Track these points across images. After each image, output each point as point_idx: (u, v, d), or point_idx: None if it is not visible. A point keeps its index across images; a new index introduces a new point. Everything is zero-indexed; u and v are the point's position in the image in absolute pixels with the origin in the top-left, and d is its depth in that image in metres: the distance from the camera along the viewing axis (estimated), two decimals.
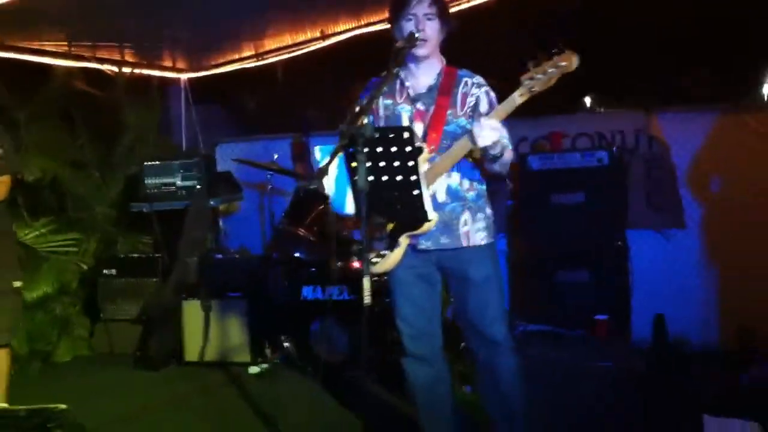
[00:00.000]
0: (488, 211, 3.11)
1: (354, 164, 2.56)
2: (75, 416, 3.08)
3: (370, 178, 2.55)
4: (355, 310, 4.28)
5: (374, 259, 2.91)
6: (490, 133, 2.72)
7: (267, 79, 7.53)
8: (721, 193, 5.33)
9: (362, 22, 6.26)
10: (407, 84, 3.06)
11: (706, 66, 7.23)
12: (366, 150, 2.52)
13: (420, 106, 3.02)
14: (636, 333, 5.19)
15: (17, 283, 4.04)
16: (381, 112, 3.09)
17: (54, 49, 5.70)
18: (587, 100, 10.24)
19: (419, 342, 3.17)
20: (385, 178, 2.64)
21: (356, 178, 2.53)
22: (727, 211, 5.28)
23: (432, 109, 2.98)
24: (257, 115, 8.90)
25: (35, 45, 5.56)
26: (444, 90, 2.98)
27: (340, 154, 2.60)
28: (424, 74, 3.05)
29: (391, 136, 2.60)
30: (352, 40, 6.42)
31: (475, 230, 3.03)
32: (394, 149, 2.59)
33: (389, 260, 2.95)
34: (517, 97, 2.75)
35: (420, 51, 2.94)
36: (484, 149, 2.78)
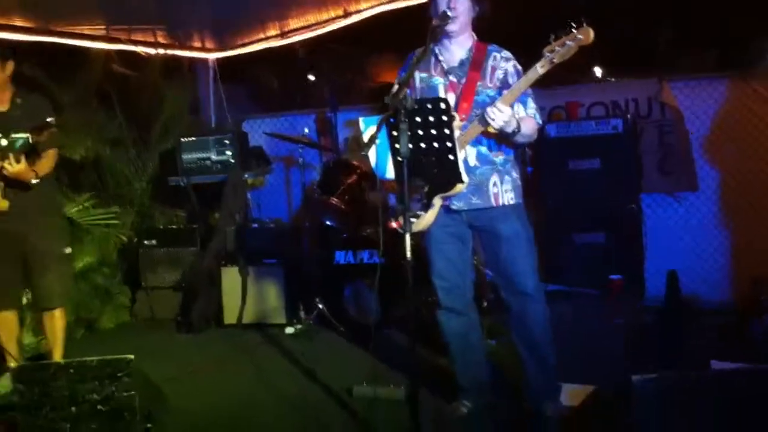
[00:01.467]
0: (515, 174, 3.41)
1: (395, 133, 2.86)
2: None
3: (410, 145, 2.84)
4: (385, 272, 4.59)
5: (411, 219, 3.20)
6: (500, 115, 3.03)
7: (289, 58, 7.77)
8: (731, 157, 5.55)
9: (383, 0, 6.46)
10: (441, 58, 3.34)
11: (715, 36, 7.41)
12: (406, 120, 2.80)
13: (453, 78, 3.30)
14: (650, 292, 5.40)
15: (67, 250, 4.39)
16: (417, 84, 3.38)
17: (92, 33, 5.94)
18: (597, 70, 10.43)
19: (452, 295, 3.48)
20: (423, 145, 2.92)
21: (398, 145, 2.83)
22: (737, 174, 5.53)
23: (464, 81, 3.26)
24: (279, 92, 9.16)
25: (75, 30, 5.81)
26: (475, 64, 3.26)
27: (384, 122, 2.89)
28: (457, 49, 3.32)
29: (429, 106, 2.88)
30: (372, 19, 6.64)
31: (504, 191, 3.32)
32: (431, 119, 2.88)
33: (424, 220, 3.25)
34: (539, 68, 3.03)
35: (451, 27, 3.22)
36: (499, 129, 3.07)
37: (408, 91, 3.22)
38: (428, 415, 3.28)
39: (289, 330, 5.28)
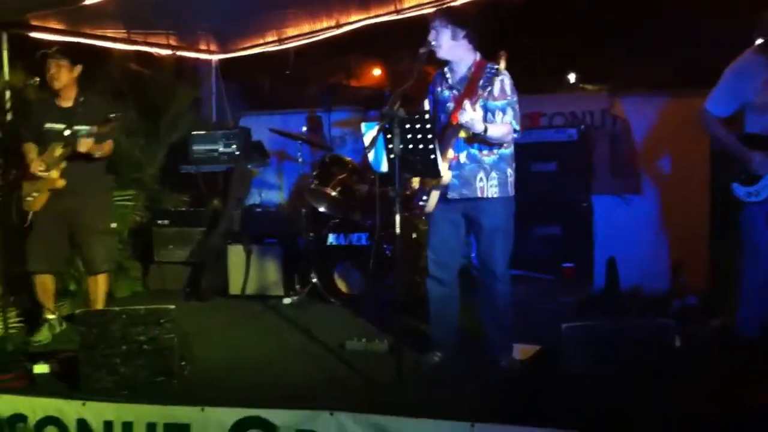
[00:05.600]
0: (508, 170, 4.15)
1: (389, 136, 3.69)
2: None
3: (401, 146, 3.67)
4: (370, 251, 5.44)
5: (420, 204, 4.04)
6: (467, 113, 3.79)
7: (282, 61, 8.48)
8: (671, 164, 6.25)
9: (371, 14, 7.20)
10: (447, 76, 4.15)
11: (664, 55, 8.29)
12: (398, 127, 3.64)
13: (455, 91, 4.10)
14: (597, 280, 6.03)
15: (113, 225, 5.19)
16: (433, 96, 4.20)
17: (114, 35, 6.68)
18: (571, 77, 11.35)
19: (441, 268, 4.25)
20: (411, 146, 3.75)
21: (391, 146, 3.67)
22: (673, 179, 6.21)
23: (461, 94, 4.03)
24: (273, 92, 9.91)
25: (100, 32, 6.54)
26: (472, 79, 4.02)
27: (381, 128, 3.73)
28: (459, 67, 4.11)
29: (416, 117, 3.71)
30: (361, 29, 7.37)
31: (489, 186, 4.08)
32: (417, 126, 3.71)
33: (428, 205, 4.05)
34: None
35: (438, 55, 4.04)
36: (465, 127, 3.86)
37: (430, 99, 4.10)
38: (408, 362, 4.04)
39: (287, 300, 6.04)
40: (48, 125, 4.99)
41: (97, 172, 5.14)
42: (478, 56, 4.09)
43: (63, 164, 4.89)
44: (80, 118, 4.91)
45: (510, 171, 4.17)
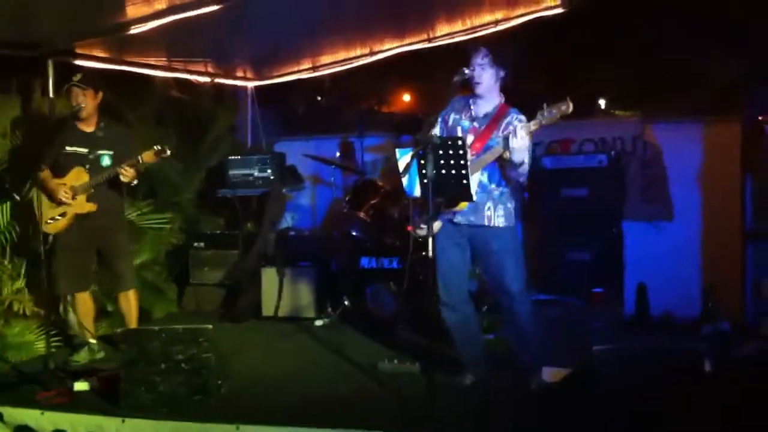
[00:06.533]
0: (509, 205, 4.27)
1: (423, 161, 3.80)
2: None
3: (434, 171, 3.77)
4: (401, 274, 5.53)
5: (422, 226, 4.11)
6: (520, 141, 3.91)
7: (316, 87, 8.68)
8: (702, 190, 6.30)
9: (404, 42, 7.33)
10: (472, 108, 4.28)
11: (695, 82, 8.32)
12: (432, 153, 3.75)
13: (476, 124, 4.23)
14: (628, 306, 6.05)
15: (131, 247, 5.39)
16: (450, 122, 4.31)
17: (156, 63, 6.89)
18: (602, 103, 11.42)
19: (450, 292, 4.32)
20: (444, 171, 3.85)
21: (425, 171, 3.77)
22: (705, 205, 6.25)
23: (483, 128, 4.18)
24: (307, 118, 10.10)
25: (142, 60, 6.75)
26: (495, 118, 4.18)
27: (415, 154, 3.83)
28: (485, 104, 4.25)
29: (449, 143, 3.81)
30: (393, 57, 7.52)
31: (496, 216, 4.20)
32: (451, 152, 3.81)
33: (434, 227, 4.11)
34: (532, 126, 3.95)
35: (477, 90, 4.18)
36: (512, 152, 3.94)
37: (440, 126, 4.18)
38: (440, 383, 4.07)
39: (319, 322, 6.15)
40: (70, 148, 5.12)
41: (119, 192, 5.31)
42: (503, 99, 4.28)
43: (91, 190, 5.05)
44: (102, 144, 5.11)
45: (511, 205, 4.30)
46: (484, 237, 4.23)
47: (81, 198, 5.06)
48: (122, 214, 5.50)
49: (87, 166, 5.08)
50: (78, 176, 5.08)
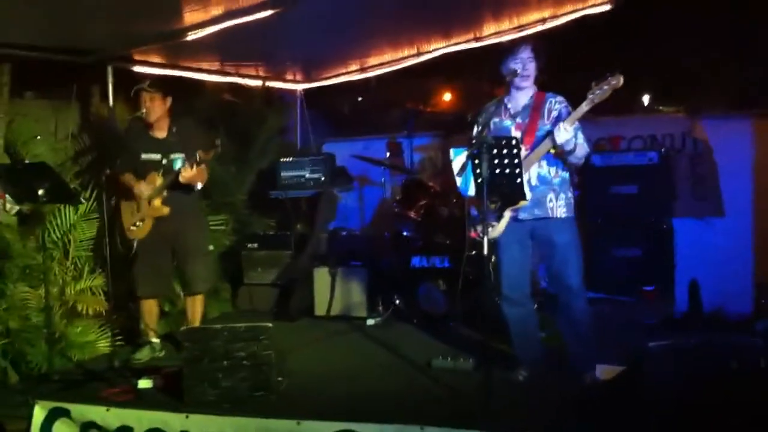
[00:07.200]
0: (569, 194, 4.34)
1: (477, 161, 3.86)
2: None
3: (488, 170, 3.84)
4: (453, 273, 5.58)
5: (492, 224, 4.18)
6: (564, 134, 4.00)
7: (364, 88, 8.75)
8: (753, 185, 6.30)
9: (451, 42, 7.38)
10: (509, 106, 4.35)
11: (745, 75, 8.22)
12: (486, 152, 3.81)
13: (519, 119, 4.30)
14: (679, 304, 6.06)
15: (210, 247, 5.47)
16: (492, 127, 4.37)
17: (209, 68, 7.06)
18: (645, 99, 11.32)
19: (513, 289, 4.40)
20: (498, 170, 3.91)
21: (479, 171, 3.83)
22: (758, 202, 6.25)
23: (527, 121, 4.25)
24: (354, 118, 10.20)
25: (195, 65, 6.92)
26: (536, 108, 4.25)
27: (469, 154, 3.90)
28: (521, 97, 4.33)
29: (503, 143, 3.87)
30: (440, 58, 7.55)
31: (558, 206, 4.27)
32: (505, 151, 3.87)
33: (498, 228, 4.22)
34: (584, 107, 4.00)
35: (523, 83, 4.24)
36: (561, 146, 4.03)
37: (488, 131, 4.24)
38: (494, 379, 4.13)
39: (370, 321, 6.23)
40: (144, 156, 5.25)
41: (195, 196, 5.41)
42: (536, 88, 4.35)
43: (165, 192, 5.17)
44: (175, 148, 5.22)
45: (570, 194, 4.36)
46: (548, 229, 4.29)
47: (156, 202, 5.18)
48: (197, 216, 5.56)
49: (161, 171, 5.20)
50: (153, 182, 5.21)
